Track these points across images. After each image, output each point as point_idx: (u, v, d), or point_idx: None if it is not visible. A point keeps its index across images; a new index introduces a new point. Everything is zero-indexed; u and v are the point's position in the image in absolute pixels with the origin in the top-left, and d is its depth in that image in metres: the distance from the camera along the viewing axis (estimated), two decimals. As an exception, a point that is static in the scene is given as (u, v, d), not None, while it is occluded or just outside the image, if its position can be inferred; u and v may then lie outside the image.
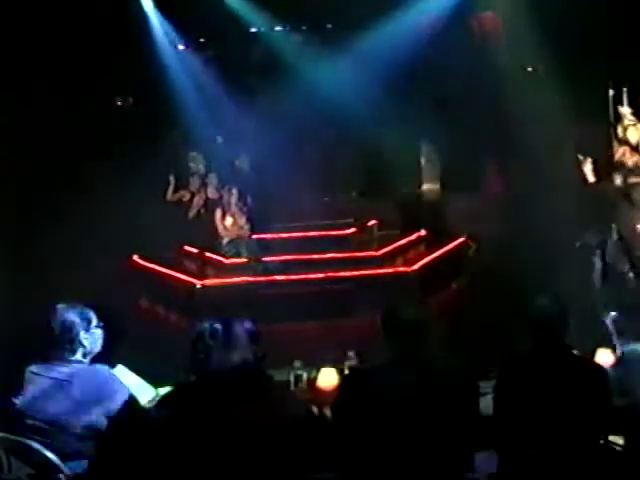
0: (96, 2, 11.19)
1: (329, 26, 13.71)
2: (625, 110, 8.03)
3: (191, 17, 12.32)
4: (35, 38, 10.92)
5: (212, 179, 12.54)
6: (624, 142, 7.93)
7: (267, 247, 11.63)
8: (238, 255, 11.33)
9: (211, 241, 11.64)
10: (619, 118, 7.99)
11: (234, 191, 11.68)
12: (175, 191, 12.62)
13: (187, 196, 12.59)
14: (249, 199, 11.94)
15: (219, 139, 12.98)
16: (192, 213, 12.43)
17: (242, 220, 11.59)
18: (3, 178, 10.61)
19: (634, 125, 7.96)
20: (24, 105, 10.97)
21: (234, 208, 11.59)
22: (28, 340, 4.82)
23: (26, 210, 11.25)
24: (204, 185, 12.59)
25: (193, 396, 3.37)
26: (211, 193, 12.53)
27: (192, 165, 12.58)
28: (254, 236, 11.66)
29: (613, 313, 7.16)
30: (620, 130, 7.97)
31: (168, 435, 3.30)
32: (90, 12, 11.16)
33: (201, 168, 12.58)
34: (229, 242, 11.50)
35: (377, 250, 11.54)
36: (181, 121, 12.47)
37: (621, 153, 8.07)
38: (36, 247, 10.85)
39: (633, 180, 7.91)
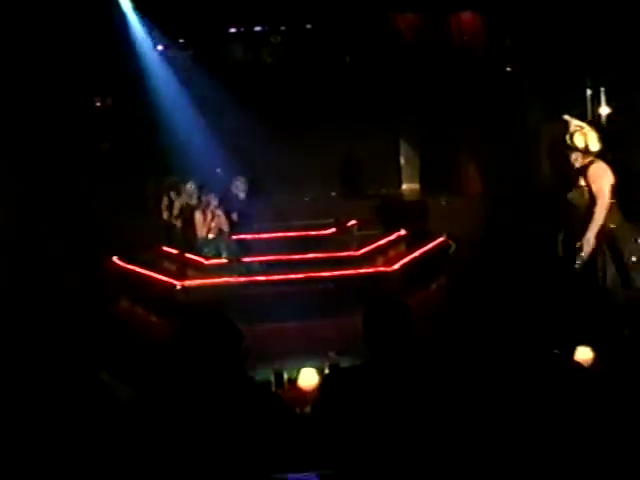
0: (74, 3, 11.16)
1: (308, 26, 13.74)
2: (567, 117, 8.26)
3: (170, 17, 12.31)
4: (12, 38, 10.87)
5: (191, 186, 12.51)
6: (574, 148, 8.16)
7: (247, 247, 11.62)
8: (218, 256, 11.32)
9: (191, 242, 11.62)
10: (567, 125, 8.25)
11: (212, 194, 11.68)
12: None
13: (166, 201, 12.56)
14: (235, 215, 11.93)
15: (219, 171, 12.99)
16: (173, 216, 12.39)
17: (221, 222, 11.58)
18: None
19: (579, 130, 8.17)
20: (4, 106, 10.92)
21: (213, 210, 11.59)
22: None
23: (10, 209, 11.25)
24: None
25: None
26: (192, 199, 12.51)
27: (184, 195, 12.44)
28: (234, 237, 11.65)
29: None
30: (567, 137, 8.21)
31: None
32: (68, 12, 11.13)
33: (193, 200, 12.41)
34: (209, 243, 11.49)
35: (357, 250, 11.54)
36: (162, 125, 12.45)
37: (574, 158, 8.31)
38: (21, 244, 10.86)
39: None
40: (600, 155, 8.06)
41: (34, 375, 5.13)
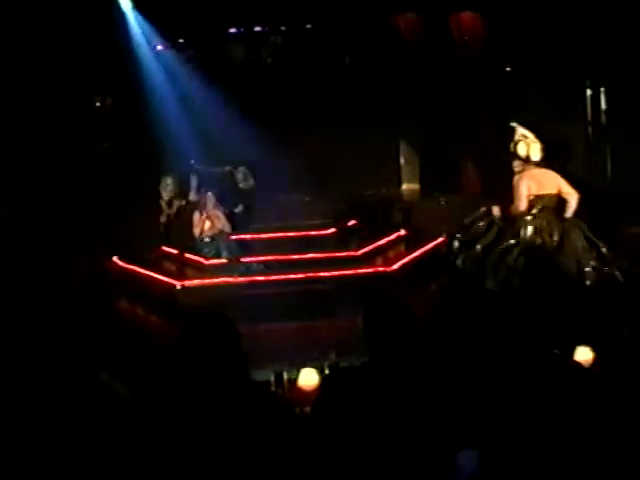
0: (74, 3, 11.16)
1: (308, 27, 13.74)
2: (514, 124, 8.53)
3: (170, 17, 12.31)
4: (12, 40, 10.88)
5: (192, 181, 12.57)
6: (515, 156, 8.47)
7: (247, 248, 11.62)
8: (218, 256, 11.31)
9: (190, 242, 11.62)
10: (513, 133, 8.52)
11: (210, 194, 11.66)
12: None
13: (165, 200, 12.57)
14: (225, 209, 11.93)
15: (193, 163, 13.04)
16: (171, 215, 12.40)
17: (220, 222, 11.57)
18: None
19: (523, 140, 8.42)
20: (4, 106, 10.93)
21: (211, 211, 11.57)
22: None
23: (14, 209, 11.26)
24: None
25: None
26: (192, 196, 12.56)
27: (163, 192, 12.50)
28: (233, 237, 11.64)
29: None
30: (512, 145, 8.48)
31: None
32: (68, 12, 11.13)
33: (170, 192, 12.48)
34: (208, 243, 11.47)
35: (357, 250, 11.55)
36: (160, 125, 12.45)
37: (515, 165, 8.65)
38: (25, 244, 10.87)
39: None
40: (547, 165, 8.44)
41: (35, 374, 5.15)
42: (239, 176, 12.65)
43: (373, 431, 3.57)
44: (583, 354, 6.43)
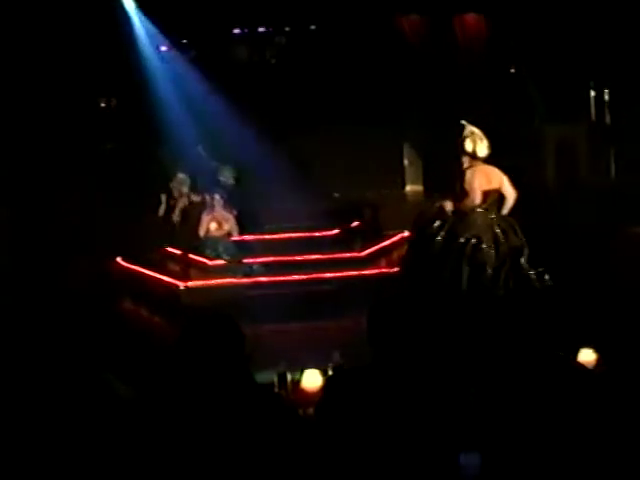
0: (78, 3, 11.17)
1: (312, 27, 13.75)
2: (464, 122, 8.87)
3: (174, 18, 12.32)
4: (16, 39, 10.89)
5: (187, 183, 12.53)
6: (463, 152, 8.79)
7: (248, 248, 11.60)
8: (218, 257, 11.30)
9: (193, 243, 11.61)
10: (462, 130, 8.82)
11: (217, 196, 11.62)
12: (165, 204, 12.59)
13: (172, 202, 12.55)
14: (234, 211, 11.88)
15: (200, 149, 12.93)
16: (176, 216, 12.38)
17: (227, 224, 11.54)
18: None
19: (470, 136, 8.79)
20: (8, 106, 10.94)
21: (219, 213, 11.53)
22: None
23: (16, 209, 11.26)
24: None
25: None
26: (194, 196, 12.53)
27: (176, 186, 12.48)
28: (233, 238, 11.59)
29: None
30: (460, 141, 8.79)
31: None
32: (72, 13, 11.14)
33: (185, 189, 12.47)
34: (210, 244, 11.43)
35: (361, 251, 11.54)
36: (165, 126, 12.44)
37: (462, 161, 9.03)
38: (26, 244, 10.88)
39: None
40: (493, 162, 8.82)
41: (38, 375, 5.14)
42: (225, 173, 12.54)
43: (376, 433, 3.56)
44: (586, 356, 6.41)
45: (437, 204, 9.12)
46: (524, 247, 8.76)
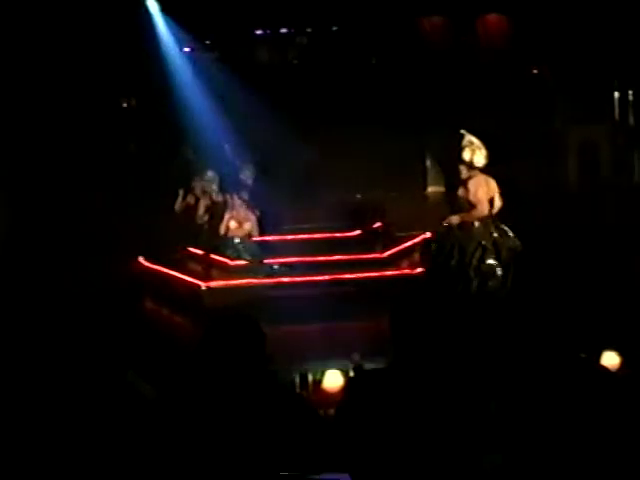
0: (102, 4, 11.23)
1: (334, 28, 13.75)
2: (463, 131, 8.94)
3: (196, 19, 12.36)
4: (40, 39, 10.97)
5: (216, 181, 12.53)
6: (461, 161, 8.85)
7: (270, 249, 11.60)
8: (239, 257, 11.29)
9: (214, 243, 11.62)
10: (461, 139, 8.90)
11: (235, 196, 11.61)
12: (183, 200, 12.57)
13: (192, 201, 12.54)
14: (256, 211, 11.87)
15: (226, 147, 12.91)
16: (199, 216, 12.37)
17: (248, 224, 11.53)
18: (10, 177, 10.68)
19: (469, 146, 8.86)
20: (32, 106, 11.02)
21: (240, 213, 11.53)
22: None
23: (40, 207, 11.34)
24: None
25: None
26: (215, 196, 12.53)
27: (202, 184, 12.44)
28: (255, 238, 11.59)
29: None
30: (458, 150, 8.88)
31: None
32: (96, 14, 11.20)
33: (214, 186, 12.42)
34: (231, 244, 11.43)
35: (382, 252, 11.51)
36: (188, 126, 12.47)
37: (460, 170, 9.09)
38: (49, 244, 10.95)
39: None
40: (486, 170, 8.92)
41: (60, 375, 5.17)
42: (246, 172, 12.51)
43: (397, 434, 3.55)
44: (609, 359, 6.38)
45: (445, 223, 9.16)
46: (519, 248, 8.92)
